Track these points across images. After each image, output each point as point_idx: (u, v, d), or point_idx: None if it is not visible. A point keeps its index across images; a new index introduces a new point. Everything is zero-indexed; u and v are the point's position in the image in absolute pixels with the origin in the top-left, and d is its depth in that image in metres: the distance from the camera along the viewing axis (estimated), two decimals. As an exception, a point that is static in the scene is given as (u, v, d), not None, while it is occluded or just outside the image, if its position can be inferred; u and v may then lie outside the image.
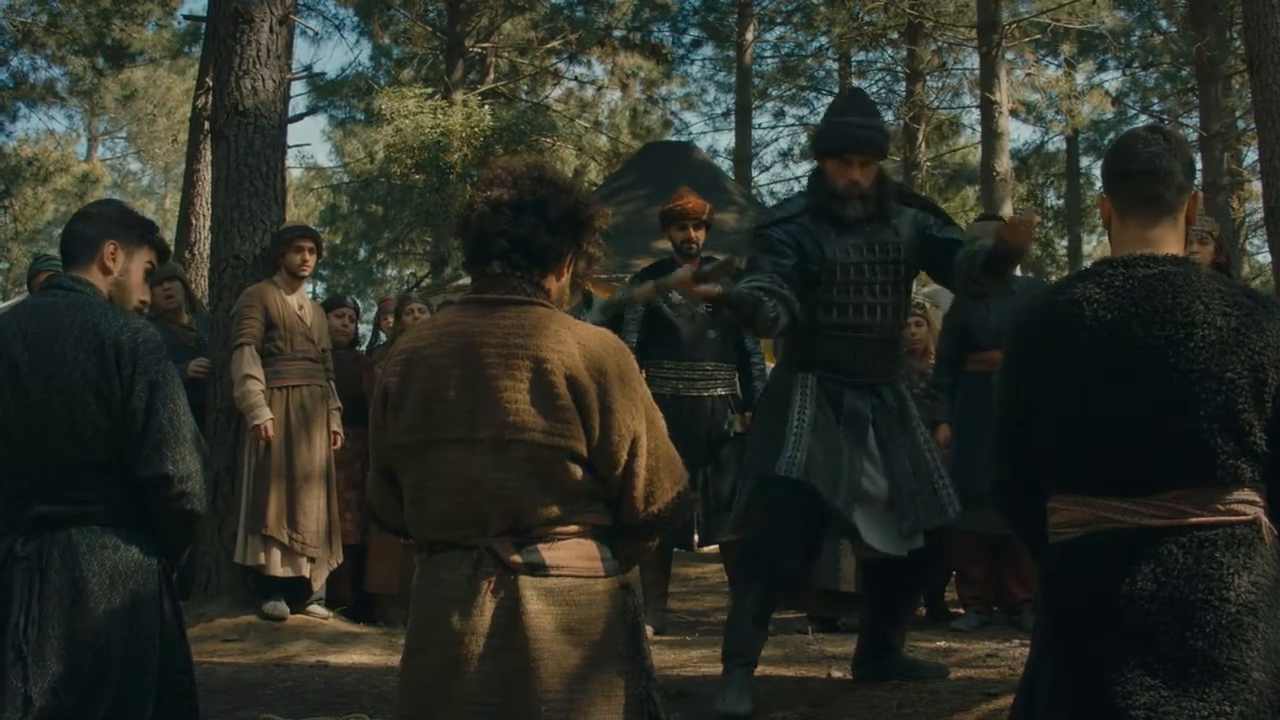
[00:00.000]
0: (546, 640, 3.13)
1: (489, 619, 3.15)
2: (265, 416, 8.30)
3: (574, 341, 3.22)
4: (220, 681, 6.87)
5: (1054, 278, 25.02)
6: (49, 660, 3.67)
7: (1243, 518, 3.03)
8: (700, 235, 8.63)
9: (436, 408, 3.24)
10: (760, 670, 6.85)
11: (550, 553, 3.20)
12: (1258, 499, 3.07)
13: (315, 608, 8.60)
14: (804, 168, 34.73)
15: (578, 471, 3.22)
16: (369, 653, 7.85)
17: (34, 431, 3.80)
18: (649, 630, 7.72)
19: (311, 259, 8.84)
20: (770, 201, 31.41)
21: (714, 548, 9.58)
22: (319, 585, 8.61)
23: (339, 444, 8.75)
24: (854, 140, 5.94)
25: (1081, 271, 3.26)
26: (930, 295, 9.67)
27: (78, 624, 3.71)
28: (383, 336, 10.11)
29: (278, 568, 8.34)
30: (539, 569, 3.18)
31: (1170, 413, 3.02)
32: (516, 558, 3.17)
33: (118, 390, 3.79)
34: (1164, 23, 28.51)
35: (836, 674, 6.68)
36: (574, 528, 3.24)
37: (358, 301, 11.64)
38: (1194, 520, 3.01)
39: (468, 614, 3.15)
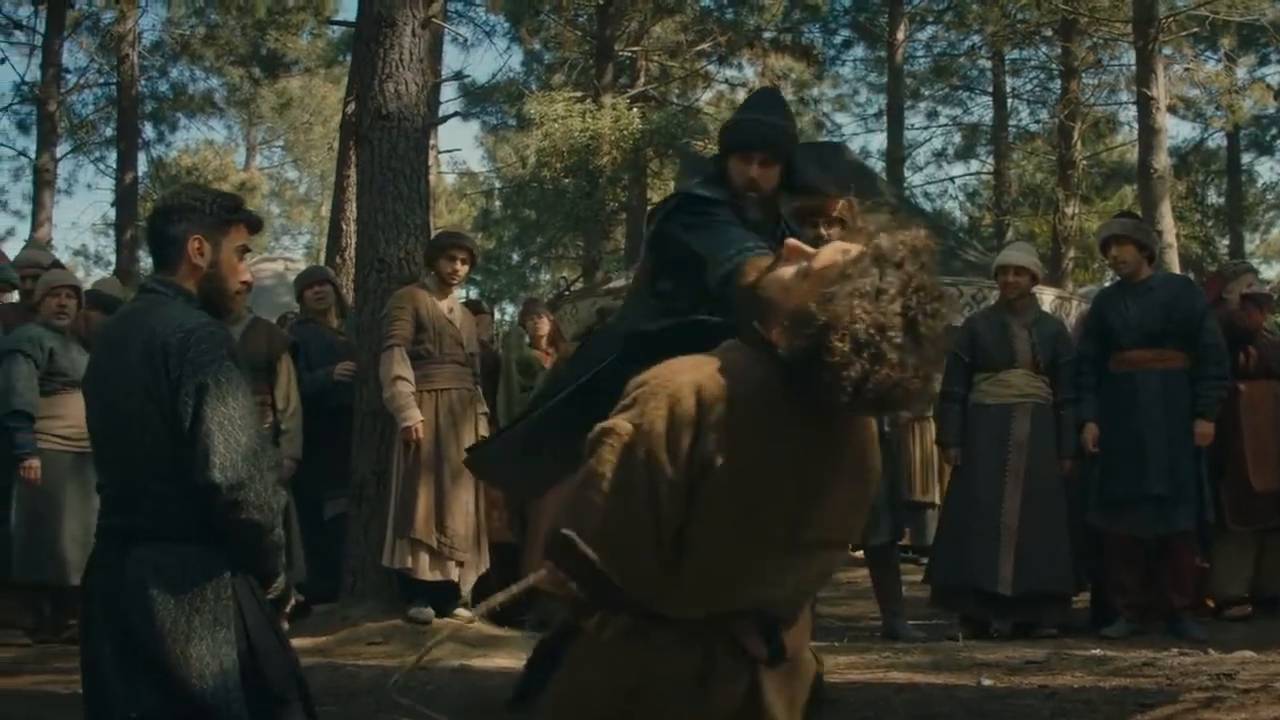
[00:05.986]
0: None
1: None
2: (415, 418, 8.30)
3: None
4: (363, 684, 6.93)
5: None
6: (130, 672, 3.62)
7: None
8: (834, 234, 8.47)
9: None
10: (908, 677, 6.76)
11: None
12: None
13: (461, 611, 8.56)
14: (959, 168, 34.38)
15: None
16: (513, 657, 7.82)
17: (112, 440, 3.79)
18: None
19: (463, 268, 8.81)
20: (924, 202, 31.16)
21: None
22: (467, 589, 8.60)
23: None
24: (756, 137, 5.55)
25: None
26: (1085, 295, 9.40)
27: (146, 638, 3.61)
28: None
29: (426, 571, 8.34)
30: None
31: None
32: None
33: (166, 394, 3.64)
34: (1329, 13, 27.71)
35: (986, 681, 6.55)
36: None
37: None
38: None
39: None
